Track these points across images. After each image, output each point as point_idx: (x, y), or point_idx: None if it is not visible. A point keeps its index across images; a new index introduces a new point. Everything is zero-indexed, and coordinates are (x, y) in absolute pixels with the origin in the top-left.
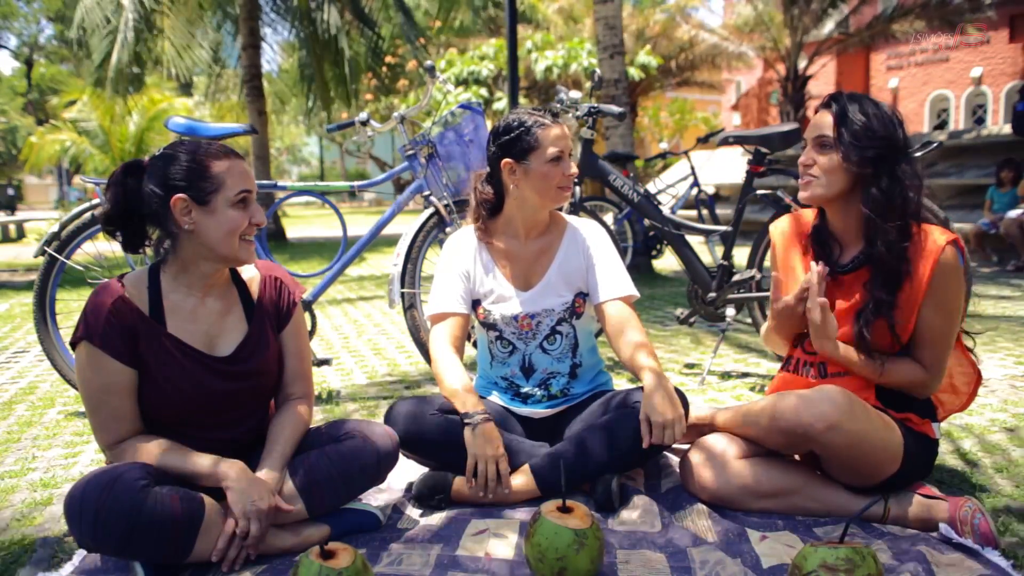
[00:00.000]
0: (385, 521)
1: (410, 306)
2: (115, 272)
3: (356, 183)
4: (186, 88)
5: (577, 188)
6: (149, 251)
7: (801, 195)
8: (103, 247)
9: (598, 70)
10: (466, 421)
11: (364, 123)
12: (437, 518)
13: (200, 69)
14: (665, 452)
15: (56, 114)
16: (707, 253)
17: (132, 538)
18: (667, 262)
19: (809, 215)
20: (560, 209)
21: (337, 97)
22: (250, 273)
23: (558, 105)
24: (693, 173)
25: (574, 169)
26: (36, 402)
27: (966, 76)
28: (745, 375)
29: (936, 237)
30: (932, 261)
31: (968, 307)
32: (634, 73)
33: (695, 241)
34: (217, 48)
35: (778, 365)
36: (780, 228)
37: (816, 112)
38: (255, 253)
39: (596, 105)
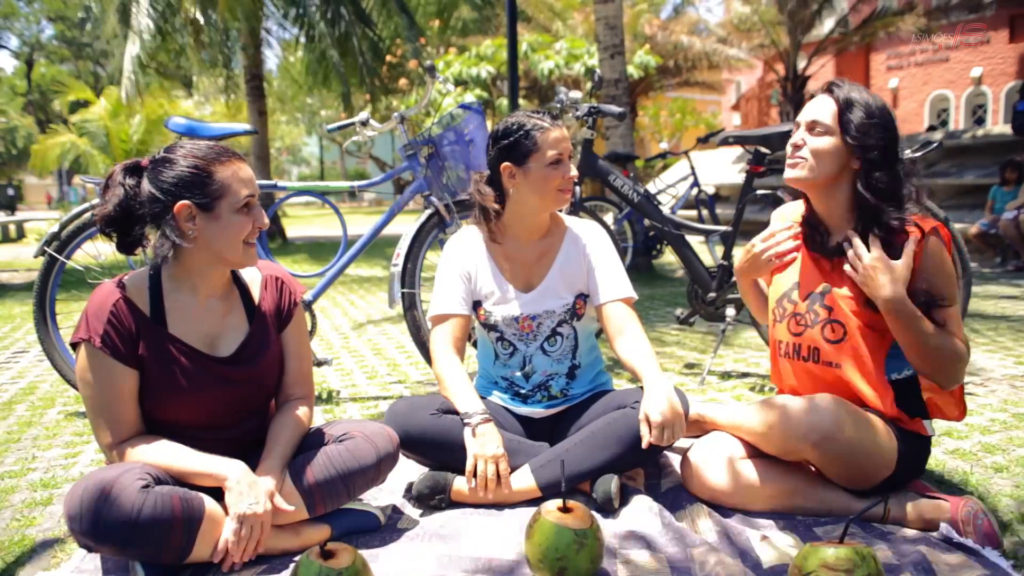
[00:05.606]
0: (385, 521)
1: (410, 306)
2: (115, 272)
3: (356, 183)
4: (186, 88)
5: (577, 188)
6: (149, 251)
7: (786, 175)
8: (103, 247)
9: (598, 70)
10: (466, 421)
11: (364, 123)
12: (437, 518)
13: (197, 71)
14: (665, 452)
15: (60, 115)
16: (707, 253)
17: (132, 538)
18: (667, 262)
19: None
20: (560, 210)
21: (356, 90)
22: (251, 274)
23: (558, 106)
24: (693, 173)
25: (574, 172)
26: (36, 402)
27: (966, 76)
28: (745, 375)
29: (919, 226)
30: (919, 248)
31: (968, 306)
32: (633, 72)
33: (695, 241)
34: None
35: None
36: (781, 214)
37: (811, 96)
38: (257, 256)
39: (596, 105)
